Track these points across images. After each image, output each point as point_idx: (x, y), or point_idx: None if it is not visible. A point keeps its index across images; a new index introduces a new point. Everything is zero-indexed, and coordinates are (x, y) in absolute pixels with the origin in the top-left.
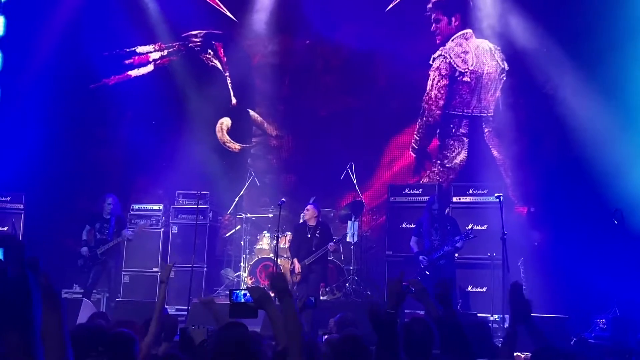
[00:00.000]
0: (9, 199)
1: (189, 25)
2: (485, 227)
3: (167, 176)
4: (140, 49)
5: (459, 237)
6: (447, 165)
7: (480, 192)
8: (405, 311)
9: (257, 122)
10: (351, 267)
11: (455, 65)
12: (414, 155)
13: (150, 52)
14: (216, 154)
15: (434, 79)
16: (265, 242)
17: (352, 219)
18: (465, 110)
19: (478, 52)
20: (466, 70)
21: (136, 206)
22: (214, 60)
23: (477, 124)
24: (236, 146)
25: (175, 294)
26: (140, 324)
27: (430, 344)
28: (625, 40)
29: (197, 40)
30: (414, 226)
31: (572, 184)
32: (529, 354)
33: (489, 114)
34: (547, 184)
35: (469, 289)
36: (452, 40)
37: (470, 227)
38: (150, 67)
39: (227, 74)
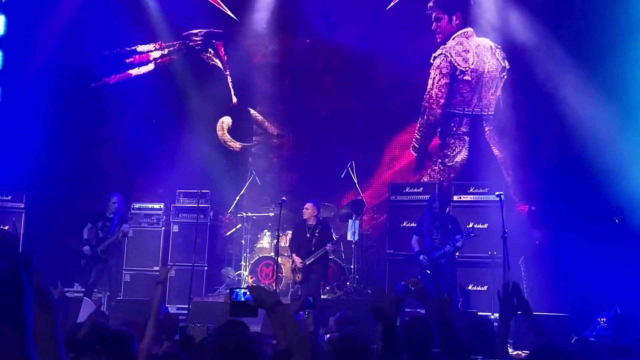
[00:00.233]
0: (9, 198)
1: (189, 24)
2: (486, 225)
3: (167, 175)
4: (141, 48)
5: (459, 236)
6: (448, 164)
7: (481, 190)
8: (406, 310)
9: (257, 121)
10: (352, 266)
11: (456, 64)
12: (414, 154)
13: (151, 51)
14: (217, 153)
15: (434, 78)
16: (266, 241)
17: (353, 218)
18: (466, 109)
19: (479, 51)
20: (467, 68)
21: (137, 205)
22: (215, 59)
23: (478, 122)
24: (237, 145)
25: (176, 293)
26: (143, 324)
27: (430, 342)
28: (626, 39)
29: (198, 39)
30: (415, 225)
31: (573, 182)
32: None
33: (489, 113)
34: (547, 182)
35: (470, 287)
36: (453, 39)
37: (471, 225)
38: (150, 66)
39: (228, 72)
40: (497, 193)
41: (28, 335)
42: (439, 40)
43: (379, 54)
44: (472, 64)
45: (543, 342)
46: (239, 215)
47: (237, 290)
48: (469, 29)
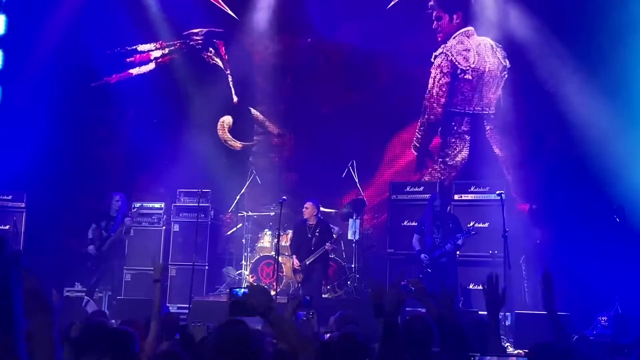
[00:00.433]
0: (10, 197)
1: (190, 24)
2: (486, 224)
3: (168, 174)
4: (142, 47)
5: (460, 235)
6: (449, 163)
7: (481, 189)
8: (406, 309)
9: (258, 120)
10: (352, 265)
11: (456, 63)
12: (415, 153)
13: (152, 51)
14: (218, 152)
15: (435, 77)
16: (266, 240)
17: (354, 217)
18: (467, 108)
19: (480, 50)
20: (468, 67)
21: (138, 204)
22: (216, 59)
23: (479, 121)
24: (238, 144)
25: (176, 293)
26: (142, 322)
27: (430, 341)
28: (627, 38)
29: (199, 38)
30: (416, 224)
31: (574, 181)
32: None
33: (490, 112)
34: (549, 181)
35: (471, 286)
36: (454, 38)
37: (471, 224)
38: (151, 66)
39: (229, 72)
40: (497, 192)
41: (17, 333)
42: (439, 39)
43: (380, 53)
44: (473, 63)
45: (561, 338)
46: (239, 214)
47: (237, 289)
48: (470, 28)
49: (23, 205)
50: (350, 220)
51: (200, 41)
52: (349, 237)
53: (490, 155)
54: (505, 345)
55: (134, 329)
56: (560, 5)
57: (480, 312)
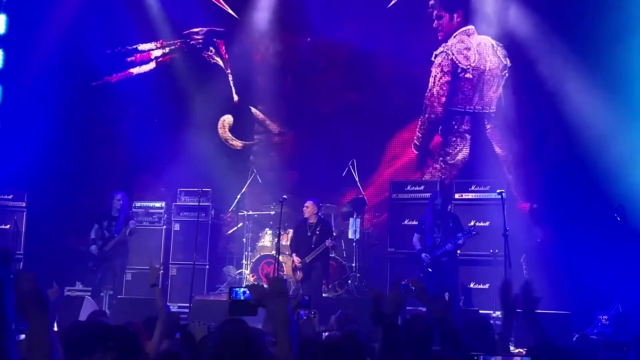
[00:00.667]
0: (11, 196)
1: (190, 23)
2: (487, 223)
3: (169, 173)
4: (142, 47)
5: (460, 234)
6: (450, 162)
7: (482, 188)
8: (407, 308)
9: (259, 120)
10: (353, 265)
11: (457, 62)
12: (416, 152)
13: (152, 50)
14: (218, 152)
15: (436, 76)
16: (267, 239)
17: (354, 216)
18: (468, 107)
19: (480, 49)
20: (468, 66)
21: (138, 204)
22: (216, 58)
23: (480, 120)
24: (238, 143)
25: (177, 292)
26: (140, 323)
27: (430, 340)
28: (628, 36)
29: (199, 37)
30: (416, 223)
31: (575, 180)
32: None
33: (491, 111)
34: (549, 180)
35: (471, 285)
36: (454, 37)
37: (472, 223)
38: (152, 65)
39: (229, 71)
40: (498, 191)
41: (6, 330)
42: (440, 38)
43: (380, 52)
44: (474, 61)
45: (542, 340)
46: (240, 213)
47: (237, 289)
48: (470, 27)
49: (24, 204)
50: (351, 220)
51: (200, 40)
52: (350, 236)
53: (491, 154)
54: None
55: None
56: (560, 4)
57: (480, 311)
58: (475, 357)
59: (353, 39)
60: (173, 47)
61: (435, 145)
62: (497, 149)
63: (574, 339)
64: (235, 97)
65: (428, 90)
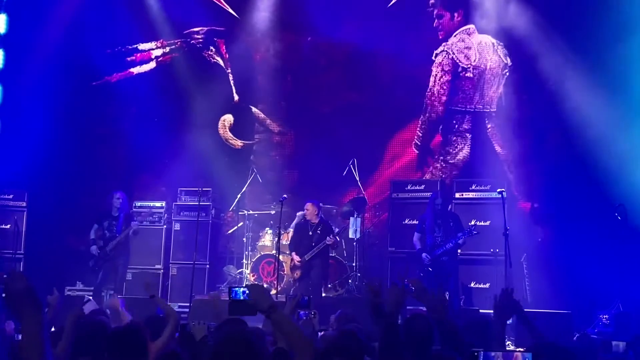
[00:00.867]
0: (11, 196)
1: (190, 22)
2: (488, 223)
3: (169, 173)
4: (143, 46)
5: (461, 234)
6: (450, 161)
7: (483, 188)
8: (407, 307)
9: (259, 119)
10: (354, 264)
11: (457, 61)
12: (416, 151)
13: (153, 49)
14: (218, 151)
15: (436, 75)
16: (267, 238)
17: (355, 216)
18: (468, 106)
19: (481, 48)
20: (469, 65)
21: (139, 203)
22: (216, 57)
23: (480, 119)
24: (238, 143)
25: (177, 291)
26: (142, 322)
27: (430, 339)
28: (629, 35)
29: (199, 37)
30: (417, 222)
31: (576, 179)
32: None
33: (491, 110)
34: (550, 179)
35: (472, 285)
36: (455, 36)
37: (473, 223)
38: (152, 64)
39: (229, 70)
40: (499, 190)
41: None
42: (440, 37)
43: (381, 51)
44: (474, 61)
45: (540, 339)
46: (240, 213)
47: (237, 289)
48: (471, 26)
49: (24, 204)
50: (351, 219)
51: (201, 40)
52: (350, 235)
53: (492, 154)
54: (507, 344)
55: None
56: (561, 3)
57: (481, 311)
58: (476, 354)
59: (353, 38)
60: (173, 46)
61: (436, 144)
62: (498, 148)
63: (575, 338)
64: (236, 97)
65: (428, 90)
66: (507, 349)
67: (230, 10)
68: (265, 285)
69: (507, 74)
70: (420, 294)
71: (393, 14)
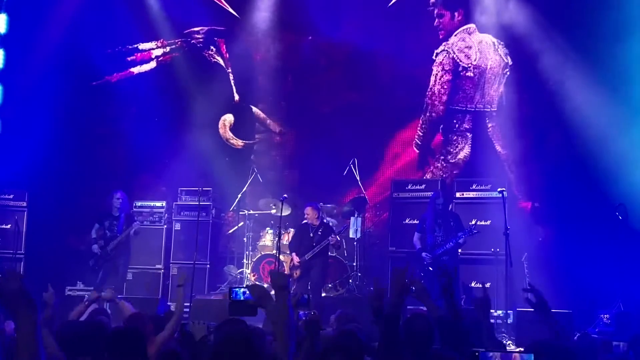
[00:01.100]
0: (12, 196)
1: (191, 22)
2: (488, 222)
3: (169, 173)
4: (143, 46)
5: (461, 234)
6: (451, 160)
7: (483, 187)
8: (408, 307)
9: (260, 119)
10: (354, 264)
11: (458, 60)
12: (417, 151)
13: (153, 49)
14: (219, 151)
15: (437, 74)
16: (268, 238)
17: (355, 215)
18: (469, 106)
19: (481, 47)
20: (469, 65)
21: (139, 203)
22: (217, 57)
23: (481, 119)
24: (239, 143)
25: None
26: (148, 317)
27: (431, 339)
28: (630, 34)
29: (200, 36)
30: (417, 222)
31: (577, 179)
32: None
33: (492, 109)
34: (551, 179)
35: (473, 284)
36: (455, 35)
37: (473, 222)
38: (152, 64)
39: (230, 70)
40: (499, 189)
41: None
42: (441, 36)
43: (381, 50)
44: (475, 60)
45: (563, 337)
46: (241, 213)
47: (237, 289)
48: (472, 25)
49: (24, 204)
50: (352, 219)
51: (201, 39)
52: (351, 235)
53: (492, 153)
54: (507, 343)
55: (140, 322)
56: (562, 2)
57: None
58: (477, 353)
59: (354, 38)
60: (174, 46)
61: (437, 144)
62: (498, 148)
63: (575, 337)
64: (236, 97)
65: (429, 89)
66: (507, 349)
67: (231, 10)
68: (265, 285)
69: (508, 73)
70: (420, 294)
71: (393, 13)
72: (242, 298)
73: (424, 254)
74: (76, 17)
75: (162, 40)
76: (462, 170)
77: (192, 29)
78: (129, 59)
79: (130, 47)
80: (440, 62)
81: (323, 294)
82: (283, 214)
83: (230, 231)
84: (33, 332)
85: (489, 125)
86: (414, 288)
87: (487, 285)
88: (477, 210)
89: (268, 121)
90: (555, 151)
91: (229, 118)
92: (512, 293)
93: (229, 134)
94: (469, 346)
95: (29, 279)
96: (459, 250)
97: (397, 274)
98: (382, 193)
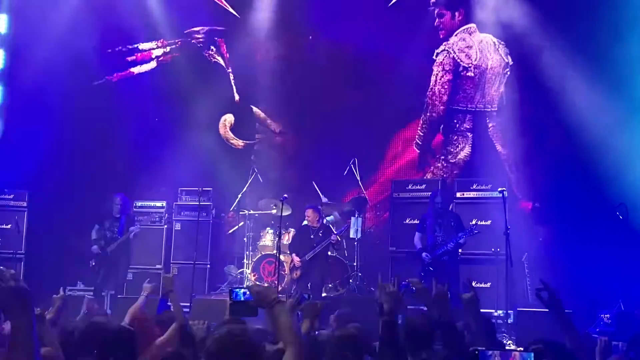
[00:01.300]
0: (12, 196)
1: (191, 22)
2: (489, 222)
3: (170, 173)
4: (143, 46)
5: (462, 234)
6: (451, 160)
7: (484, 187)
8: (408, 307)
9: (260, 119)
10: (354, 264)
11: (458, 60)
12: (417, 150)
13: (153, 49)
14: (219, 151)
15: (437, 74)
16: (268, 238)
17: (356, 215)
18: (469, 106)
19: (482, 47)
20: (470, 65)
21: (139, 203)
22: (217, 57)
23: (481, 119)
24: (239, 143)
25: (178, 291)
26: (152, 318)
27: (431, 338)
28: (630, 34)
29: (200, 36)
30: (418, 222)
31: (577, 179)
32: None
33: (492, 109)
34: (551, 179)
35: (473, 284)
36: (456, 35)
37: (474, 222)
38: (153, 64)
39: (230, 70)
40: (500, 189)
41: None
42: (441, 36)
43: (382, 50)
44: (475, 60)
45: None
46: (241, 213)
47: (237, 289)
48: (472, 25)
49: (25, 204)
50: (352, 219)
51: (201, 39)
52: (351, 235)
53: (493, 153)
54: (507, 343)
55: (144, 323)
56: (563, 2)
57: (482, 310)
58: (476, 352)
59: (354, 38)
60: (174, 46)
61: (437, 144)
62: (499, 148)
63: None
64: (237, 97)
65: (429, 89)
66: (507, 348)
67: (231, 10)
68: (266, 285)
69: (508, 73)
70: (421, 294)
71: (394, 13)
72: (242, 299)
73: (424, 254)
74: (77, 17)
75: (162, 40)
76: (462, 170)
77: (193, 29)
78: (129, 59)
79: (130, 47)
80: (441, 62)
81: (323, 294)
82: (283, 214)
83: (231, 231)
84: (28, 332)
85: (490, 125)
86: (414, 288)
87: (474, 283)
88: (478, 210)
89: (268, 121)
90: (555, 151)
91: (229, 118)
92: (512, 293)
93: (229, 134)
94: (469, 346)
95: (29, 279)
96: (460, 251)
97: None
98: (383, 193)
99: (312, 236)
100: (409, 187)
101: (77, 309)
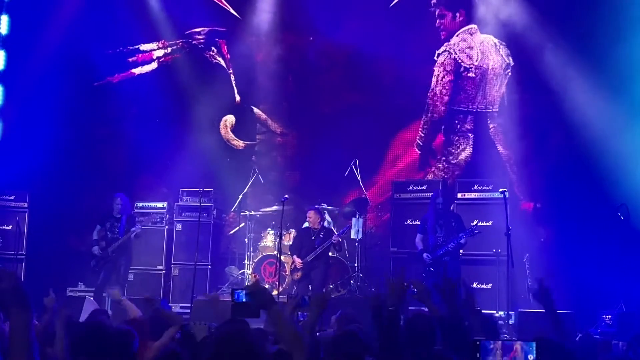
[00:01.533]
0: (13, 197)
1: (192, 23)
2: (490, 223)
3: (171, 174)
4: (144, 47)
5: (463, 234)
6: (452, 161)
7: (485, 188)
8: (410, 308)
9: (261, 120)
10: (356, 264)
11: (459, 61)
12: (418, 151)
13: (154, 50)
14: (220, 152)
15: (438, 75)
16: (269, 239)
17: (357, 216)
18: (470, 106)
19: (483, 48)
20: (471, 65)
21: (140, 204)
22: (218, 58)
23: (482, 119)
24: (240, 143)
25: (178, 292)
26: (146, 321)
27: (432, 339)
28: (631, 34)
29: (201, 37)
30: (419, 223)
31: (578, 179)
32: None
33: (494, 110)
34: (553, 179)
35: (474, 285)
36: (457, 36)
37: (475, 223)
38: (154, 65)
39: (231, 71)
40: (501, 190)
41: None
42: (442, 37)
43: (383, 51)
44: (476, 60)
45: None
46: (242, 213)
47: (239, 291)
48: (473, 26)
49: (26, 205)
50: (353, 220)
51: (202, 40)
52: (352, 236)
53: (494, 154)
54: None
55: (137, 327)
56: (563, 2)
57: (483, 311)
58: (478, 342)
59: (355, 38)
60: (175, 47)
61: (438, 144)
62: (500, 148)
63: (577, 338)
64: (237, 97)
65: (430, 90)
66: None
67: (232, 11)
68: (266, 286)
69: (510, 73)
70: (422, 295)
71: (395, 14)
72: (244, 300)
73: (425, 255)
74: (77, 18)
75: (163, 41)
76: (463, 170)
77: (194, 30)
78: (130, 59)
79: (131, 47)
80: (442, 62)
81: None
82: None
83: (232, 232)
84: (27, 332)
85: (491, 125)
86: (415, 289)
87: (475, 284)
88: (479, 211)
89: (269, 122)
90: (557, 151)
91: (230, 119)
92: (513, 294)
93: (230, 135)
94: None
95: (30, 280)
96: (461, 251)
97: (393, 283)
98: (384, 194)
99: (312, 238)
100: (410, 188)
101: (78, 310)
